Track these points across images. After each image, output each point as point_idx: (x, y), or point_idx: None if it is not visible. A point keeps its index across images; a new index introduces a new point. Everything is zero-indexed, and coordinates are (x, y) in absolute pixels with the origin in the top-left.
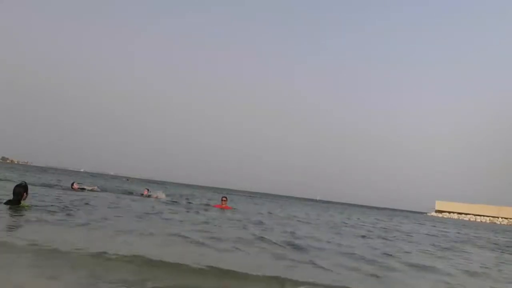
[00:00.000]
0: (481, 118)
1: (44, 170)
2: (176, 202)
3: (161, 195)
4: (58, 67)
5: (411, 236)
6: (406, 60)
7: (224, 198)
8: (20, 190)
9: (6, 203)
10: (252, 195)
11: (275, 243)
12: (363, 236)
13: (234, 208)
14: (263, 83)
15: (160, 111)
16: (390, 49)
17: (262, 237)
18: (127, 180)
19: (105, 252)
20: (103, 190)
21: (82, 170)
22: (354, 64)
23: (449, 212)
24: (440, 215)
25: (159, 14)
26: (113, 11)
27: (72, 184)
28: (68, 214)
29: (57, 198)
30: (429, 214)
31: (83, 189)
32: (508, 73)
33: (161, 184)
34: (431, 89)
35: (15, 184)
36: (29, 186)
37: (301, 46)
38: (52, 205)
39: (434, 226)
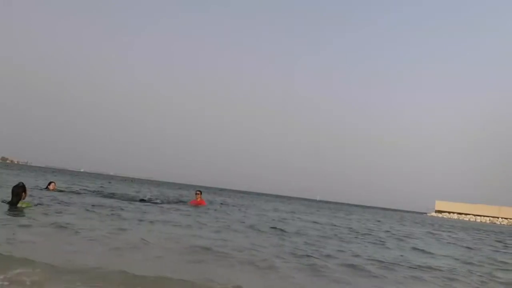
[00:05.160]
0: (481, 117)
1: (44, 170)
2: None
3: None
4: (58, 67)
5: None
6: (406, 60)
7: (198, 192)
8: (19, 191)
9: (8, 203)
10: (253, 196)
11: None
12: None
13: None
14: (263, 83)
15: (160, 111)
16: (390, 49)
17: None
18: (132, 181)
19: None
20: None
21: (82, 170)
22: (354, 64)
23: (449, 212)
24: (440, 215)
25: (158, 13)
26: (113, 10)
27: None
28: None
29: None
30: (429, 214)
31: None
32: (508, 73)
33: (161, 184)
34: (431, 88)
35: (13, 185)
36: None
37: (301, 46)
38: None
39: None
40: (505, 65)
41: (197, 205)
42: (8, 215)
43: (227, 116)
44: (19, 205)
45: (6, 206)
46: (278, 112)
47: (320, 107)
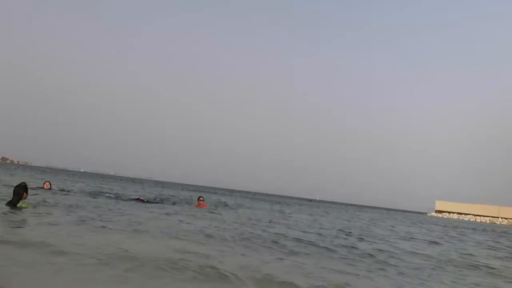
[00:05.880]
0: (481, 117)
1: (43, 170)
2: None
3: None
4: (58, 67)
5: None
6: (406, 60)
7: (201, 198)
8: (20, 191)
9: (7, 204)
10: (252, 196)
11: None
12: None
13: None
14: (263, 83)
15: (160, 111)
16: (390, 49)
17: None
18: (132, 181)
19: None
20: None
21: (82, 170)
22: (354, 64)
23: (449, 212)
24: (440, 215)
25: (158, 13)
26: (113, 11)
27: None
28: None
29: None
30: (429, 214)
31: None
32: (508, 73)
33: (160, 184)
34: (431, 88)
35: (15, 185)
36: None
37: (301, 46)
38: None
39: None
40: (505, 65)
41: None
42: None
43: (227, 116)
44: (18, 205)
45: (5, 205)
46: (279, 112)
47: (320, 107)
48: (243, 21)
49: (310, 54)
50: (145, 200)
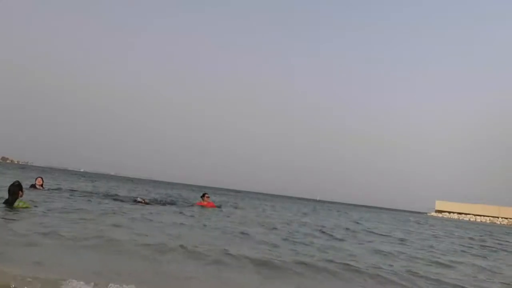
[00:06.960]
0: (481, 117)
1: (42, 170)
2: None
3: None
4: (58, 67)
5: None
6: (406, 60)
7: (206, 195)
8: (15, 190)
9: (4, 203)
10: (254, 197)
11: None
12: None
13: (218, 207)
14: (263, 83)
15: (160, 111)
16: (390, 49)
17: None
18: (132, 181)
19: None
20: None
21: (82, 170)
22: (354, 64)
23: (449, 212)
24: (440, 215)
25: (158, 13)
26: (113, 11)
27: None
28: None
29: None
30: (429, 214)
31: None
32: (508, 73)
33: (160, 184)
34: (431, 88)
35: (10, 184)
36: None
37: (301, 46)
38: None
39: None
40: (505, 65)
41: (203, 206)
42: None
43: (227, 116)
44: (15, 204)
45: (2, 206)
46: (279, 112)
47: (320, 107)
48: (243, 21)
49: (310, 54)
50: (143, 202)
